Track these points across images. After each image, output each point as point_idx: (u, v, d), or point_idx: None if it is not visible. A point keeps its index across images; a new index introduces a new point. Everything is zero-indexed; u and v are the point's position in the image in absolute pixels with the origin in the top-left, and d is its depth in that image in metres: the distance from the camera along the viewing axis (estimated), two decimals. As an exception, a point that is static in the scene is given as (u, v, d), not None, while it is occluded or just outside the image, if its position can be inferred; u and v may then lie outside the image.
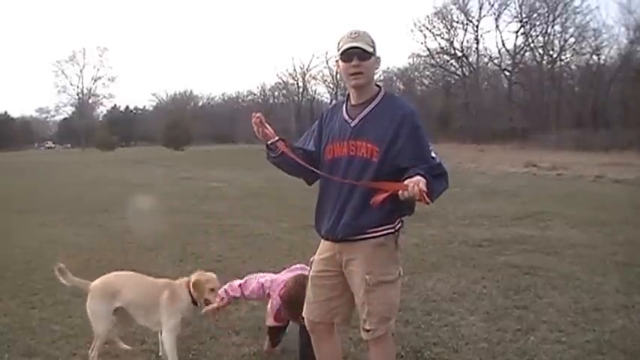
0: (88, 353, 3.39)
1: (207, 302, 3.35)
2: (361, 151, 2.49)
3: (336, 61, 2.56)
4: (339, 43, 2.53)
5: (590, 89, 41.62)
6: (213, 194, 13.03)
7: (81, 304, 3.56)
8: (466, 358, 3.50)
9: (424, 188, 2.20)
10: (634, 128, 29.67)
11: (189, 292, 3.32)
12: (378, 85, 2.61)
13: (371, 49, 2.48)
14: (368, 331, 2.56)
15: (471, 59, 51.29)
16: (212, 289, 3.33)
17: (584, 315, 4.19)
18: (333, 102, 2.96)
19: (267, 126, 2.59)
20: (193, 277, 3.36)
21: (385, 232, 2.50)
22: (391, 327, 2.62)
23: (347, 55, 2.49)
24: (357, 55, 2.47)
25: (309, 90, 71.65)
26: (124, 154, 47.67)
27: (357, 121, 2.55)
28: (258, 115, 2.57)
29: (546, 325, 3.99)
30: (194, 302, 3.33)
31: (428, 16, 52.24)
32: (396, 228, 2.53)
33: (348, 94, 2.64)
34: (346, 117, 2.59)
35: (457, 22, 50.38)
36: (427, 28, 51.13)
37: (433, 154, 2.45)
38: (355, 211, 2.48)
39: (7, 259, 6.43)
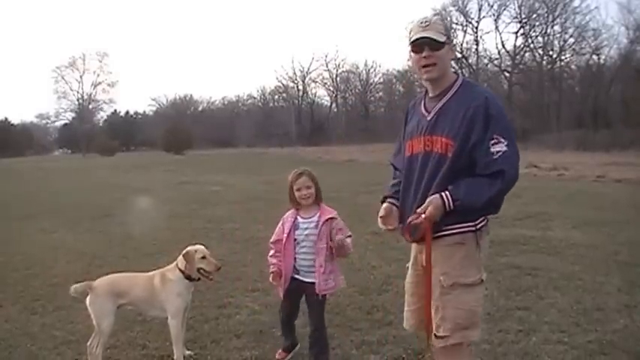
0: (86, 347, 3.44)
1: (200, 271, 3.43)
2: (437, 146, 2.36)
3: (409, 52, 2.44)
4: (409, 33, 2.40)
5: (591, 89, 41.62)
6: (213, 198, 13.02)
7: (82, 310, 3.58)
8: (468, 359, 3.49)
9: (422, 223, 2.31)
10: (635, 128, 29.64)
11: (180, 270, 3.44)
12: (456, 73, 2.47)
13: (443, 38, 2.33)
14: (441, 337, 2.36)
15: (470, 60, 51.36)
16: (203, 257, 3.44)
17: (586, 315, 4.18)
18: (414, 98, 2.83)
19: (392, 221, 2.58)
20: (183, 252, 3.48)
21: (463, 229, 2.34)
22: (468, 338, 2.38)
23: (417, 45, 2.36)
24: (428, 46, 2.33)
25: (309, 93, 71.96)
26: (125, 159, 47.71)
27: (432, 114, 2.42)
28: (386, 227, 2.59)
29: (548, 325, 3.98)
30: (187, 278, 3.44)
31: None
32: (478, 226, 2.36)
33: (427, 88, 2.51)
34: (423, 111, 2.48)
35: (456, 23, 50.42)
36: (426, 30, 51.20)
37: (496, 148, 2.25)
38: None
39: (8, 265, 6.44)
